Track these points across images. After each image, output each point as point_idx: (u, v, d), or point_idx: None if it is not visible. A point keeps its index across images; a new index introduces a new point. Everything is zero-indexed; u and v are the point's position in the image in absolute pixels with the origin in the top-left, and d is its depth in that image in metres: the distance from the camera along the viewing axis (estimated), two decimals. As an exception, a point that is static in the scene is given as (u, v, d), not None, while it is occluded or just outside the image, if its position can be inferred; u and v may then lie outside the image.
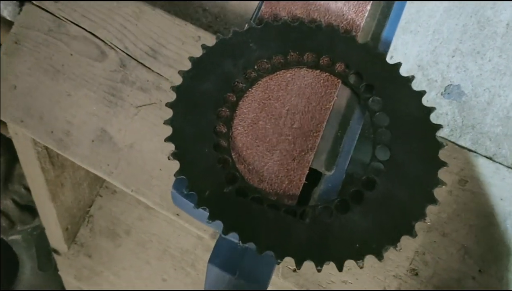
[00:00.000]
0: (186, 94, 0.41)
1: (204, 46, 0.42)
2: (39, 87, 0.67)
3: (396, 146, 0.38)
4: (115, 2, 0.67)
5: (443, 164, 0.38)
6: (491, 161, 0.57)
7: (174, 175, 0.39)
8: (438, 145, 0.38)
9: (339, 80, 0.41)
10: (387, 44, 0.42)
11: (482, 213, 0.55)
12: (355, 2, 0.43)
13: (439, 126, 0.39)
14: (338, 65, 0.41)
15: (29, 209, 1.02)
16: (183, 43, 0.65)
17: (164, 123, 0.40)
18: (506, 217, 0.54)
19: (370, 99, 0.40)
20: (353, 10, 0.43)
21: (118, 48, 0.66)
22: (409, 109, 0.39)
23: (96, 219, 0.98)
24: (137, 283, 0.96)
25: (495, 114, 0.61)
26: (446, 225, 0.56)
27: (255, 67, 0.41)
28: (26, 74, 0.67)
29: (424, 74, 0.64)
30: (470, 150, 0.57)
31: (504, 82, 0.61)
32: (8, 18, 0.77)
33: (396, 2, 0.42)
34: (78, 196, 0.93)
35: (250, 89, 0.41)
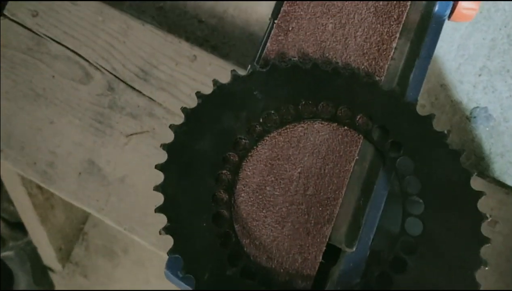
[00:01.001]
0: (180, 154, 0.34)
1: (199, 95, 0.35)
2: (18, 113, 0.60)
3: (430, 218, 0.32)
4: (100, 17, 0.59)
5: (487, 241, 0.32)
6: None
7: (168, 253, 0.33)
8: (481, 217, 0.32)
9: (360, 136, 0.34)
10: (417, 90, 0.35)
11: (514, 257, 0.50)
12: (379, 37, 0.36)
13: (481, 194, 0.32)
14: (359, 117, 0.35)
15: (20, 226, 0.97)
16: (176, 63, 0.58)
17: (153, 189, 0.34)
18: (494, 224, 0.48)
19: (398, 159, 0.34)
20: (376, 47, 0.36)
21: (105, 69, 0.59)
22: (445, 173, 0.33)
23: (91, 237, 0.93)
24: (137, 303, 0.91)
25: (527, 141, 0.54)
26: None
27: (261, 120, 0.35)
28: (4, 99, 0.61)
29: (447, 95, 0.57)
30: (499, 184, 0.51)
31: (537, 105, 0.54)
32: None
33: (427, 38, 0.35)
34: (71, 215, 0.87)
35: (255, 147, 0.35)
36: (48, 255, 0.89)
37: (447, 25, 0.58)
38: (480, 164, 0.55)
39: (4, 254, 1.01)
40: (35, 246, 0.94)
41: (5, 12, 0.63)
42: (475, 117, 0.57)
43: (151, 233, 0.57)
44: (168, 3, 0.64)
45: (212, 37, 0.64)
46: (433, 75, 0.58)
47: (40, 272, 1.02)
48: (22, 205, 0.76)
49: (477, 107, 0.57)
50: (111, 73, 0.59)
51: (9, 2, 0.63)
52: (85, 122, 0.59)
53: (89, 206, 0.58)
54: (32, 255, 1.01)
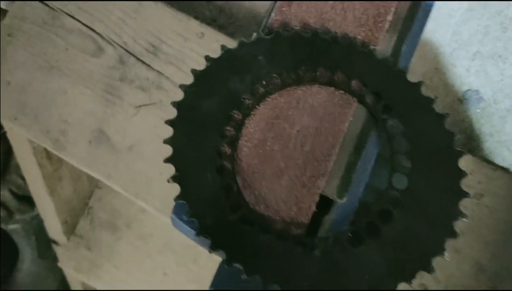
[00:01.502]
0: (188, 111, 0.37)
1: (207, 58, 0.38)
2: (33, 83, 0.63)
3: (415, 174, 0.35)
4: (113, -6, 0.62)
5: (465, 194, 0.35)
6: (508, 173, 0.54)
7: (174, 200, 0.36)
8: (461, 174, 0.35)
9: (354, 99, 0.37)
10: (408, 60, 0.38)
11: (499, 229, 0.53)
12: (375, 11, 0.39)
13: (462, 153, 0.36)
14: (354, 82, 0.38)
15: (28, 199, 1.01)
16: (185, 40, 0.61)
17: (164, 142, 0.37)
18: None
19: (388, 121, 0.37)
20: (372, 20, 0.39)
21: (116, 44, 0.62)
22: (431, 134, 0.36)
23: (96, 211, 0.96)
24: (138, 276, 0.95)
25: (516, 123, 0.57)
26: (459, 240, 0.53)
27: (264, 83, 0.38)
28: (20, 70, 0.64)
29: (441, 78, 0.60)
30: (487, 161, 0.54)
31: (526, 89, 0.57)
32: (3, 6, 0.73)
33: (418, 15, 0.38)
34: (77, 188, 0.90)
35: (257, 107, 0.38)
36: (54, 227, 0.92)
37: (443, 11, 0.61)
38: (470, 143, 0.58)
39: (11, 227, 1.04)
40: (41, 219, 0.97)
41: (23, -13, 0.66)
42: (467, 99, 0.60)
43: (155, 198, 0.60)
44: (178, -16, 0.68)
45: (220, 17, 0.67)
46: (428, 59, 0.61)
47: (45, 245, 1.05)
48: (31, 175, 0.79)
49: (469, 90, 0.60)
50: (122, 47, 0.62)
51: (27, -22, 0.66)
52: (96, 93, 0.62)
53: (98, 172, 0.61)
54: (37, 229, 1.04)
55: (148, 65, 0.62)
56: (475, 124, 0.59)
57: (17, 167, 0.95)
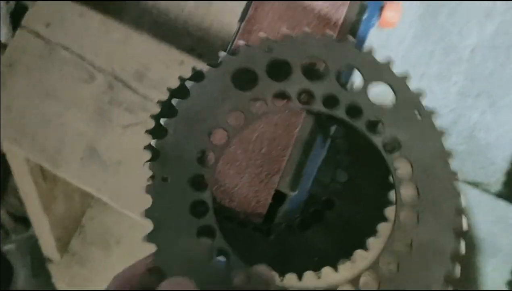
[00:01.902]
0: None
1: (180, 78, 0.46)
2: (31, 108, 0.71)
3: (353, 170, 0.43)
4: (103, 28, 0.71)
5: (393, 187, 0.42)
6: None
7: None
8: (390, 169, 0.42)
9: (304, 110, 0.45)
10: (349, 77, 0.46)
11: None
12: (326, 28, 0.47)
13: (393, 149, 0.43)
14: (303, 96, 0.45)
15: (23, 220, 1.06)
16: (167, 67, 0.69)
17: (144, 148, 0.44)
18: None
19: (332, 127, 0.44)
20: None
21: (106, 71, 0.70)
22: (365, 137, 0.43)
23: (88, 229, 1.02)
24: None
25: (460, 134, 0.65)
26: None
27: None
28: (20, 97, 0.71)
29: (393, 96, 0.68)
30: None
31: (467, 104, 0.65)
32: (2, 40, 0.81)
33: (359, 35, 0.47)
34: (70, 207, 0.96)
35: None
36: (48, 245, 0.97)
37: (394, 38, 0.70)
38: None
39: (5, 247, 1.09)
40: (35, 239, 1.02)
41: (23, 24, 0.74)
42: (416, 114, 0.67)
43: (141, 208, 0.66)
44: (162, 18, 0.76)
45: (199, 46, 0.76)
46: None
47: (39, 264, 1.10)
48: (28, 194, 0.85)
49: (418, 105, 0.67)
50: (111, 74, 0.70)
51: (26, 15, 0.75)
52: (88, 115, 0.69)
53: (89, 185, 0.68)
54: (32, 249, 1.09)
55: (134, 90, 0.69)
56: (424, 135, 0.66)
57: (14, 189, 1.01)
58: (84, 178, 0.68)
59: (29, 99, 0.71)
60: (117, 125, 0.69)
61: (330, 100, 0.36)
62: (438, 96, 0.68)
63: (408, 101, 0.34)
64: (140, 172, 0.67)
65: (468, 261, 0.59)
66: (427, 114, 0.35)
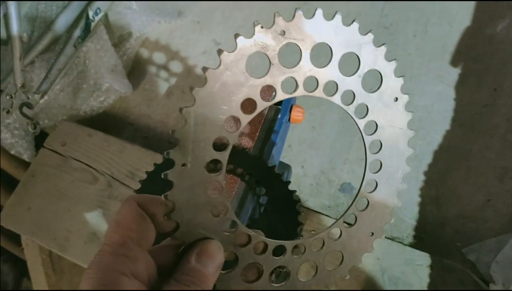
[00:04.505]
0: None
1: (154, 164, 0.67)
2: (47, 206, 0.91)
3: (270, 210, 0.62)
4: (105, 143, 0.94)
5: (300, 224, 0.61)
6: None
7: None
8: (297, 211, 0.61)
9: (238, 178, 0.65)
10: (277, 160, 0.67)
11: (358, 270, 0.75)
12: (250, 134, 0.69)
13: (299, 200, 0.62)
14: (238, 169, 0.66)
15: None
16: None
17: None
18: (383, 272, 0.74)
19: (257, 188, 0.64)
20: (248, 136, 0.69)
21: (107, 174, 0.92)
22: (281, 192, 0.63)
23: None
24: None
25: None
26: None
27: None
28: (38, 198, 0.92)
29: (326, 177, 0.88)
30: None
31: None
32: (27, 160, 1.04)
33: (278, 132, 0.69)
34: (73, 300, 1.10)
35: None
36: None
37: (323, 135, 0.92)
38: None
39: None
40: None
41: (44, 144, 0.98)
42: (344, 189, 0.87)
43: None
44: (150, 134, 1.00)
45: (178, 152, 0.98)
46: (316, 165, 0.90)
47: None
48: (39, 284, 1.00)
49: (344, 183, 0.87)
50: (110, 176, 0.91)
51: (47, 138, 0.98)
52: (92, 209, 0.89)
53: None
54: None
55: (128, 186, 0.90)
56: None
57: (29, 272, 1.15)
58: (86, 258, 0.85)
59: (45, 200, 0.91)
60: (114, 213, 0.88)
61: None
62: (358, 175, 0.88)
63: (390, 87, 0.37)
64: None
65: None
66: (402, 99, 0.38)
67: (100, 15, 1.07)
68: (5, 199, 0.96)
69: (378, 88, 0.36)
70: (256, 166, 0.66)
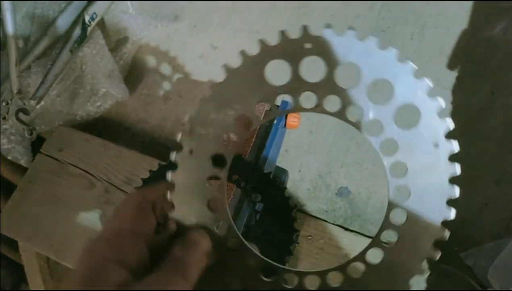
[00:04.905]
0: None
1: (150, 171, 0.67)
2: (44, 212, 0.90)
3: (265, 216, 0.61)
4: (102, 148, 0.94)
5: (296, 230, 0.60)
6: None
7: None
8: (293, 218, 0.61)
9: (234, 185, 0.65)
10: (272, 166, 0.67)
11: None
12: (245, 141, 0.69)
13: (295, 208, 0.62)
14: (234, 176, 0.66)
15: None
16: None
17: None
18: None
19: (253, 195, 0.64)
20: (244, 144, 0.69)
21: (104, 180, 0.91)
22: (276, 199, 0.63)
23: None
24: None
25: (373, 206, 0.84)
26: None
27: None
28: (35, 205, 0.91)
29: (323, 181, 0.88)
30: (358, 233, 0.79)
31: (377, 183, 0.85)
32: (24, 165, 1.04)
33: (274, 137, 0.69)
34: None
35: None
36: None
37: (321, 139, 0.92)
38: (346, 222, 0.83)
39: None
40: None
41: (41, 150, 0.97)
42: (341, 193, 0.87)
43: None
44: (147, 139, 1.00)
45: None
46: (313, 169, 0.90)
47: None
48: (36, 289, 1.00)
49: (342, 187, 0.87)
50: (107, 181, 0.91)
51: (44, 144, 0.98)
52: (89, 214, 0.89)
53: (87, 270, 0.84)
54: None
55: (125, 191, 0.90)
56: (348, 209, 0.85)
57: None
58: (84, 264, 0.85)
59: (42, 205, 0.91)
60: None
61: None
62: (355, 179, 0.88)
63: (430, 130, 0.32)
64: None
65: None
66: (445, 147, 0.32)
67: (96, 20, 1.06)
68: (3, 205, 0.96)
69: (414, 126, 0.32)
70: (252, 172, 0.66)
